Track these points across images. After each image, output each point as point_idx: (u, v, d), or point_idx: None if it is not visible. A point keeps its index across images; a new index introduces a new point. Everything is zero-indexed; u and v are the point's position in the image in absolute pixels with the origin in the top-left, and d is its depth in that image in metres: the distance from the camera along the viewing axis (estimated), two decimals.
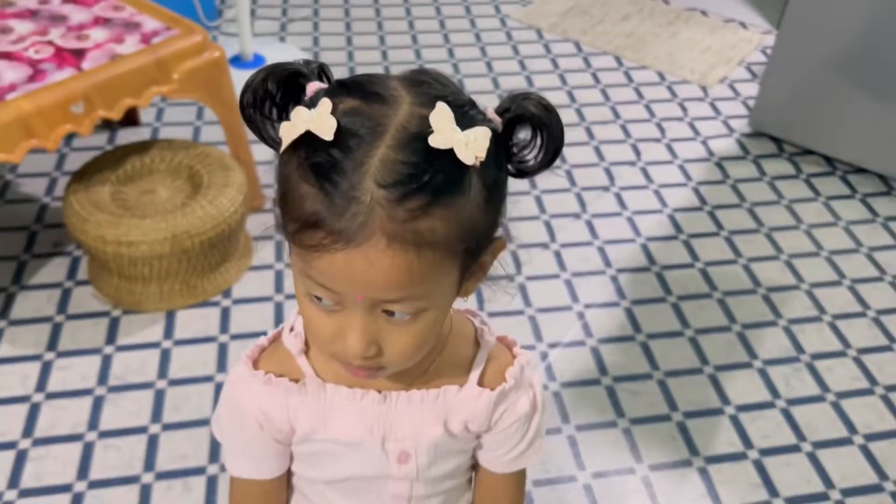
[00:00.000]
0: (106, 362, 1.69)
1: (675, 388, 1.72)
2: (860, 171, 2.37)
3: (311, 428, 0.71)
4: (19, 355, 1.69)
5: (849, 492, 1.56)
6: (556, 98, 2.53)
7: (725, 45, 2.93)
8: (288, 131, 0.56)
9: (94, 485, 1.48)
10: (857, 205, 2.27)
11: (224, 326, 1.78)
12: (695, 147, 2.44)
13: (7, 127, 1.53)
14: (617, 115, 2.55)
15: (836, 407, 1.71)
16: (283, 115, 0.63)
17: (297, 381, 0.71)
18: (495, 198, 0.60)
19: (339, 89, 0.59)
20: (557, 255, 2.02)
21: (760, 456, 1.61)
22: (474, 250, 0.60)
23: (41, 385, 1.64)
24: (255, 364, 0.72)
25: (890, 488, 1.57)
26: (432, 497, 0.77)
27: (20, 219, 2.01)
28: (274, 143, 0.62)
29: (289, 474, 0.78)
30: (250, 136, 0.69)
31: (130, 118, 2.30)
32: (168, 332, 1.76)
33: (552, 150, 0.61)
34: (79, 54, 1.69)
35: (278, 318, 1.81)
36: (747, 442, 1.63)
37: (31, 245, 1.94)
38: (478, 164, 0.55)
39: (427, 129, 0.54)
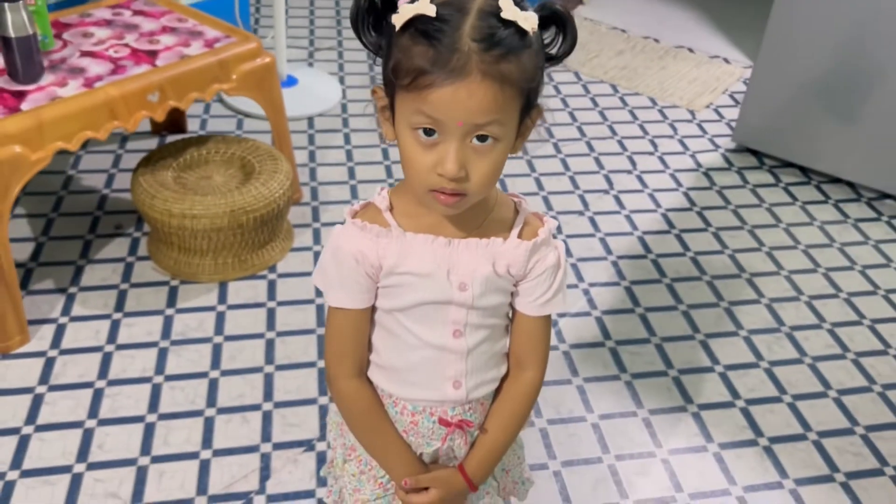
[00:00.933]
0: (168, 321, 1.89)
1: (670, 350, 1.93)
2: (833, 180, 2.61)
3: (395, 263, 0.90)
4: (91, 314, 1.89)
5: (824, 433, 1.76)
6: (560, 117, 2.80)
7: (711, 76, 3.21)
8: (401, 15, 0.79)
9: (164, 417, 1.66)
10: (830, 209, 2.51)
11: (271, 295, 1.99)
12: (684, 160, 2.69)
13: (96, 109, 1.75)
14: (614, 133, 2.80)
15: (813, 368, 1.92)
16: (378, 27, 0.84)
17: (384, 226, 0.91)
18: (541, 63, 0.83)
19: None
20: (564, 243, 2.24)
21: (747, 405, 1.81)
22: (530, 99, 0.83)
23: (111, 338, 1.83)
24: (354, 216, 0.93)
25: (860, 431, 1.78)
26: (481, 329, 0.95)
27: (84, 206, 2.23)
28: (372, 46, 0.85)
29: (372, 313, 0.97)
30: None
31: (178, 126, 2.54)
32: (222, 299, 1.96)
33: (570, 41, 0.84)
34: (152, 54, 1.92)
35: (318, 290, 2.01)
36: (735, 393, 1.83)
37: (94, 227, 2.15)
38: (532, 33, 0.79)
39: (498, 9, 0.78)
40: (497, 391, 1.02)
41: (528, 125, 0.87)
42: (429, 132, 0.80)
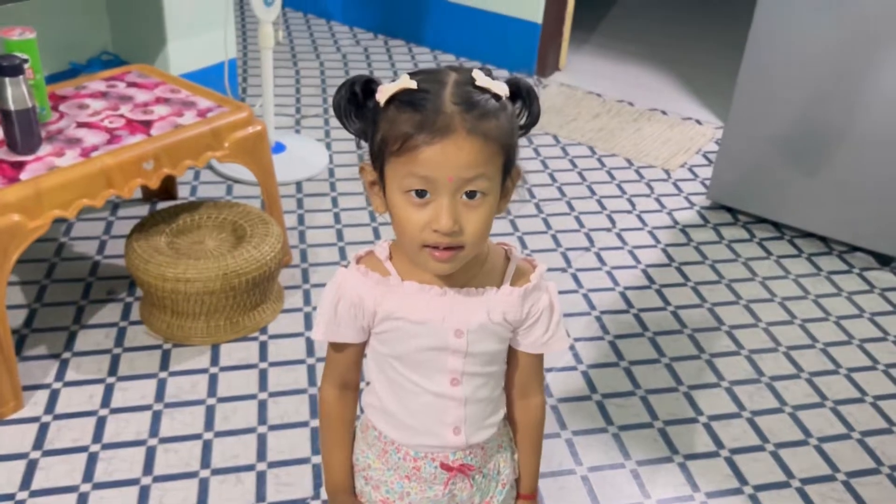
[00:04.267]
0: (161, 384, 1.89)
1: (655, 402, 1.96)
2: (805, 234, 2.68)
3: (391, 309, 0.94)
4: (85, 379, 1.89)
5: (807, 481, 1.78)
6: (540, 178, 2.86)
7: (684, 137, 3.29)
8: (385, 92, 0.85)
9: (158, 479, 1.66)
10: (803, 262, 2.57)
11: (263, 356, 2.00)
12: (661, 217, 2.75)
13: (92, 178, 1.78)
14: (593, 192, 2.86)
15: (793, 416, 1.95)
16: (358, 113, 0.90)
17: (383, 275, 0.95)
18: (515, 126, 0.89)
19: (410, 73, 0.88)
20: None
21: (731, 454, 1.83)
22: (509, 157, 0.88)
23: (105, 402, 1.83)
24: (358, 261, 0.97)
25: (841, 478, 1.80)
26: (478, 377, 0.98)
27: (77, 272, 2.24)
28: (357, 132, 0.90)
29: (375, 360, 1.01)
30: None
31: (168, 193, 2.57)
32: (214, 361, 1.97)
33: (535, 112, 0.91)
34: (147, 124, 1.96)
35: (309, 350, 2.03)
36: (719, 443, 1.86)
37: (87, 293, 2.17)
38: (505, 97, 0.85)
39: (472, 79, 0.85)
40: (510, 418, 1.09)
41: (510, 185, 0.92)
42: (420, 193, 0.84)
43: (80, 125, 1.93)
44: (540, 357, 1.03)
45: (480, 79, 0.85)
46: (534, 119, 0.91)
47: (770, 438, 1.88)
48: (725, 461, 1.81)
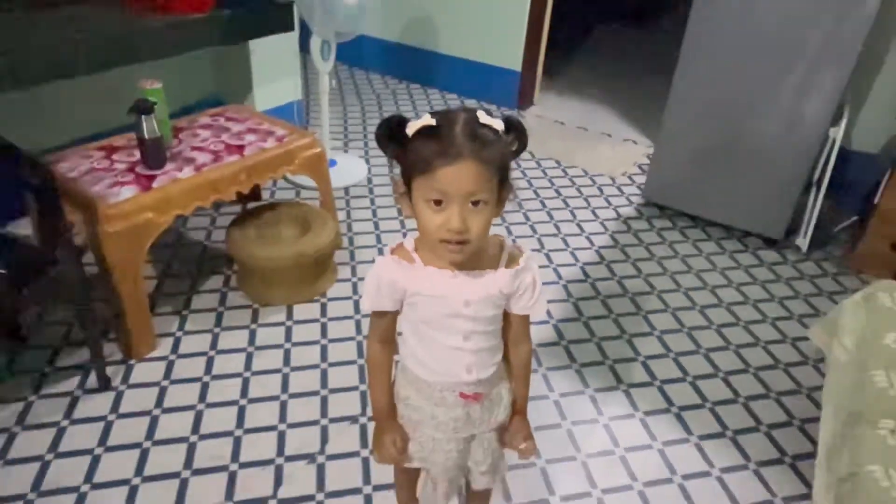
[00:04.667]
0: (252, 333, 1.90)
1: (606, 347, 1.95)
2: (713, 223, 2.66)
3: (417, 287, 0.95)
4: (198, 329, 1.90)
5: (717, 403, 1.78)
6: (520, 184, 2.84)
7: (625, 153, 3.27)
8: (413, 127, 0.86)
9: (252, 401, 1.66)
10: (712, 244, 2.55)
11: (323, 313, 2.01)
12: (609, 212, 2.73)
13: (203, 186, 1.79)
14: (559, 194, 2.84)
15: (706, 356, 1.94)
16: (392, 142, 0.89)
17: (410, 262, 0.96)
18: (508, 153, 0.89)
19: (431, 113, 0.88)
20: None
21: (661, 384, 1.83)
22: (503, 177, 0.88)
23: (213, 345, 1.85)
24: (392, 252, 0.97)
25: (741, 401, 1.80)
26: (483, 334, 0.98)
27: (192, 253, 2.25)
28: (390, 154, 0.90)
29: (408, 325, 1.01)
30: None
31: (255, 195, 2.56)
32: (289, 317, 1.98)
33: (523, 142, 0.91)
34: (240, 147, 1.96)
35: (356, 310, 2.02)
36: (653, 376, 1.85)
37: (200, 268, 2.17)
38: (500, 132, 0.86)
39: (477, 118, 0.85)
40: (505, 362, 1.08)
41: (504, 196, 0.92)
42: (438, 202, 0.85)
43: (194, 149, 1.93)
44: (527, 317, 1.04)
45: (483, 118, 0.85)
46: (523, 147, 0.91)
47: (689, 372, 1.88)
48: (657, 389, 1.82)
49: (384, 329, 1.03)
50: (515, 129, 0.90)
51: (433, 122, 0.85)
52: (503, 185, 0.89)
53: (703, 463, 1.60)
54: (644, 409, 1.74)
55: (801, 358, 1.96)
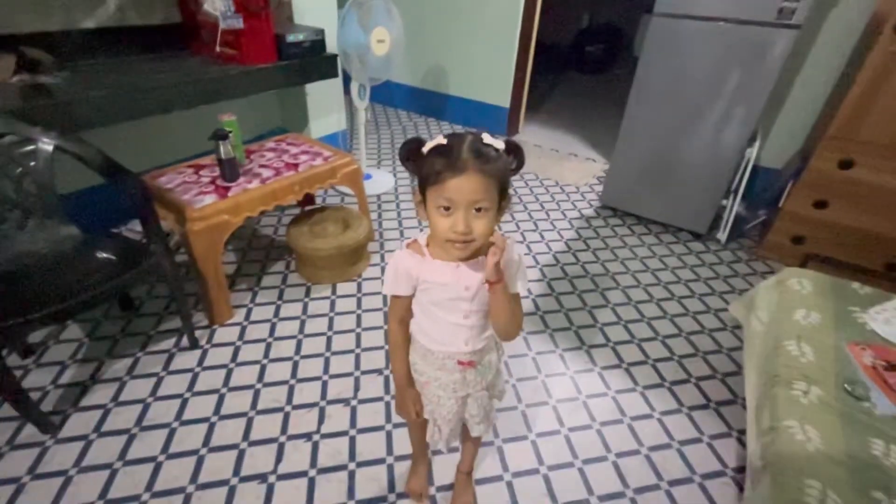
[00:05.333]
0: (305, 305, 1.80)
1: (573, 316, 1.83)
2: (653, 221, 2.51)
3: (427, 276, 0.85)
4: (266, 301, 1.80)
5: (658, 360, 1.66)
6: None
7: (587, 168, 3.11)
8: (427, 146, 0.74)
9: (303, 357, 1.58)
10: (653, 237, 2.39)
11: (360, 290, 1.90)
12: (575, 213, 2.58)
13: (268, 195, 1.68)
14: (537, 198, 2.69)
15: (649, 324, 1.81)
16: (411, 159, 0.79)
17: (422, 255, 0.86)
18: (508, 170, 0.78)
19: (444, 136, 0.76)
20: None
21: (615, 345, 1.71)
22: (503, 188, 0.77)
23: (276, 314, 1.75)
24: (406, 247, 0.88)
25: (683, 356, 1.68)
26: (478, 313, 0.88)
27: (262, 245, 2.13)
28: (410, 170, 0.79)
29: (419, 305, 0.90)
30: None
31: (309, 201, 2.45)
32: (334, 292, 1.88)
33: (521, 161, 0.79)
34: (295, 166, 1.85)
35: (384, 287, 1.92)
36: (608, 339, 1.73)
37: (268, 256, 2.06)
38: (501, 150, 0.75)
39: (482, 139, 0.74)
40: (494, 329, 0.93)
41: (504, 205, 0.81)
42: (447, 209, 0.75)
43: (261, 166, 1.82)
44: (515, 297, 0.91)
45: (486, 139, 0.76)
46: (521, 164, 0.80)
47: (636, 336, 1.76)
48: (611, 349, 1.70)
49: (402, 310, 0.93)
50: (514, 150, 0.79)
51: (444, 141, 0.75)
52: (503, 196, 0.78)
53: (646, 407, 1.49)
54: (601, 364, 1.64)
55: (721, 325, 1.83)
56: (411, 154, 0.79)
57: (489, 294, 0.84)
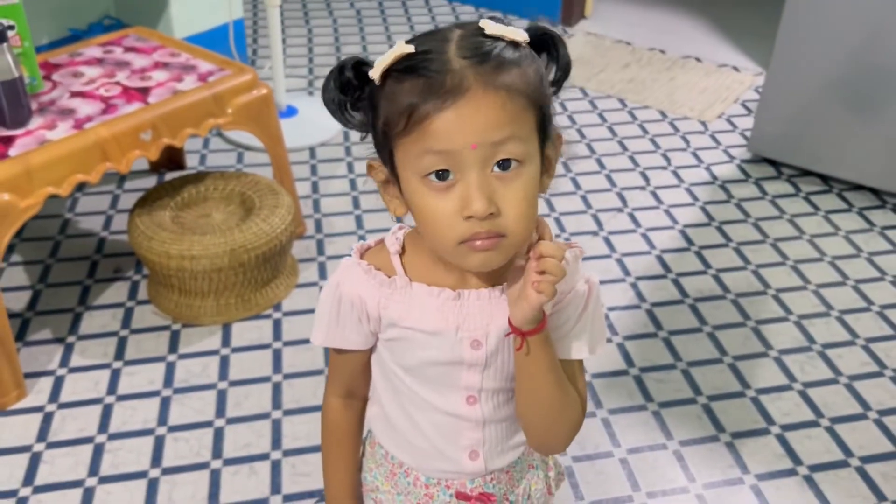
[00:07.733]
0: (170, 368, 1.82)
1: (697, 375, 1.84)
2: (856, 187, 2.52)
3: (397, 316, 0.81)
4: (90, 364, 1.82)
5: (868, 459, 1.66)
6: (568, 135, 2.70)
7: (721, 86, 3.13)
8: (378, 67, 0.71)
9: (167, 471, 1.59)
10: (854, 217, 2.42)
11: (277, 335, 1.91)
12: (699, 173, 2.61)
13: (86, 151, 1.69)
14: (625, 148, 2.72)
15: (850, 388, 1.83)
16: (355, 103, 0.76)
17: (389, 274, 0.82)
18: (545, 78, 0.75)
19: (407, 40, 0.74)
20: None
21: (782, 431, 1.72)
22: (544, 116, 0.74)
23: (111, 389, 1.76)
24: (361, 256, 0.84)
25: None
26: (500, 392, 0.84)
27: (81, 250, 2.16)
28: (357, 124, 0.77)
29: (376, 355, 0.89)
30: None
31: (176, 162, 2.47)
32: (225, 342, 1.89)
33: (564, 65, 0.76)
34: (144, 91, 1.86)
35: None
36: (769, 419, 1.74)
37: (93, 272, 2.09)
38: (525, 44, 0.72)
39: (481, 30, 0.72)
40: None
41: (551, 154, 0.77)
42: (442, 175, 0.70)
43: (74, 95, 1.84)
44: (577, 366, 0.87)
45: (490, 27, 0.71)
46: (564, 70, 0.76)
47: (825, 413, 1.77)
48: (777, 439, 1.70)
49: (349, 375, 0.92)
50: (548, 41, 0.75)
51: (410, 48, 0.70)
52: (545, 132, 0.75)
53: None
54: (757, 470, 1.64)
55: None
56: (349, 89, 0.75)
57: (516, 355, 0.80)
